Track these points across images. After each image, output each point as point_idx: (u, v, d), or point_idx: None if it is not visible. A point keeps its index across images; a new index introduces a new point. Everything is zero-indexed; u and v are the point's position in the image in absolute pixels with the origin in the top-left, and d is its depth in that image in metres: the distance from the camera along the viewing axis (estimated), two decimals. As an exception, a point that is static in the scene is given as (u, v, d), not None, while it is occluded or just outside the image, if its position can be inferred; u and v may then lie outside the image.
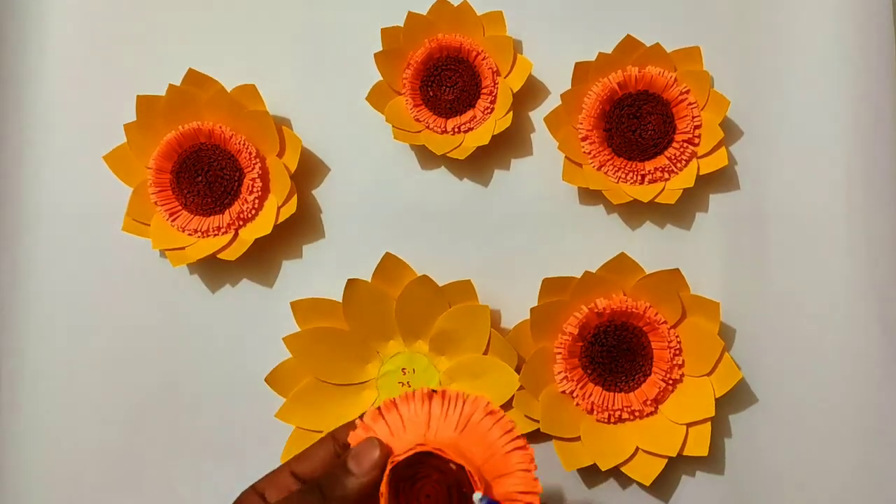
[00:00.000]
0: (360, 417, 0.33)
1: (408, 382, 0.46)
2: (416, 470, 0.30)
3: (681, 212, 0.46)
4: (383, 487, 0.30)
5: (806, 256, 0.45)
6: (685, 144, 0.45)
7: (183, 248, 0.46)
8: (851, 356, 0.45)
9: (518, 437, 0.31)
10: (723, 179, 0.46)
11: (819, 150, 0.46)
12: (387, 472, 0.30)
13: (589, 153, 0.46)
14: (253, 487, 0.35)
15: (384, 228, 0.48)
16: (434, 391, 0.32)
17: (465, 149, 0.46)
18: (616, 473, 0.45)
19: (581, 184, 0.45)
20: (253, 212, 0.46)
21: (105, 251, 0.48)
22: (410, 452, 0.30)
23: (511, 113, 0.45)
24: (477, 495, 0.28)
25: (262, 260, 0.48)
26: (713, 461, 0.45)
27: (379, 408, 0.32)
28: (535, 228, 0.47)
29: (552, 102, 0.47)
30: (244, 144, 0.46)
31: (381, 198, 0.48)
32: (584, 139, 0.46)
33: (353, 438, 0.32)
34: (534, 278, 0.43)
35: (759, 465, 0.45)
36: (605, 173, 0.46)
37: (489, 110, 0.47)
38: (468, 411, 0.31)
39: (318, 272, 0.48)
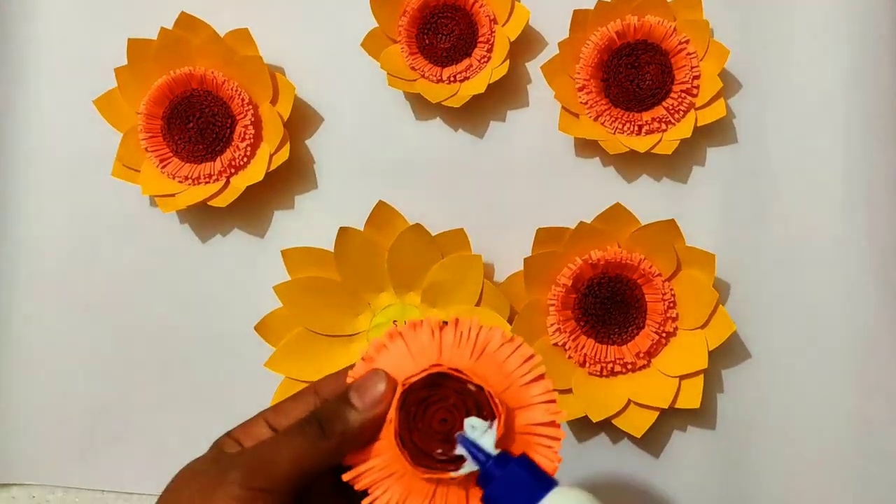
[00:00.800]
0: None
1: (399, 335, 0.45)
2: (429, 393, 0.27)
3: (678, 164, 0.46)
4: (392, 413, 0.27)
5: (803, 211, 0.45)
6: (683, 95, 0.44)
7: (173, 195, 0.46)
8: (846, 310, 0.44)
9: (538, 366, 0.28)
10: (720, 132, 0.46)
11: (818, 104, 0.45)
12: (398, 395, 0.27)
13: (586, 103, 0.45)
14: (228, 434, 0.31)
15: (377, 178, 0.47)
16: (445, 322, 0.29)
17: (461, 97, 0.45)
18: (607, 426, 0.44)
19: (578, 134, 0.45)
20: (245, 159, 0.46)
21: (95, 197, 0.48)
22: (424, 374, 0.27)
23: (508, 62, 0.45)
24: (460, 435, 0.26)
25: (254, 209, 0.48)
26: (705, 415, 0.45)
27: (382, 337, 0.29)
28: (530, 179, 0.47)
29: (549, 52, 0.47)
30: (237, 91, 0.45)
31: (374, 148, 0.48)
32: (581, 89, 0.45)
33: (355, 373, 0.29)
34: (528, 229, 0.43)
35: (750, 420, 0.45)
36: (602, 124, 0.45)
37: (486, 59, 0.46)
38: (483, 339, 0.28)
39: (310, 222, 0.48)
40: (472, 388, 0.27)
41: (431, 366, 0.27)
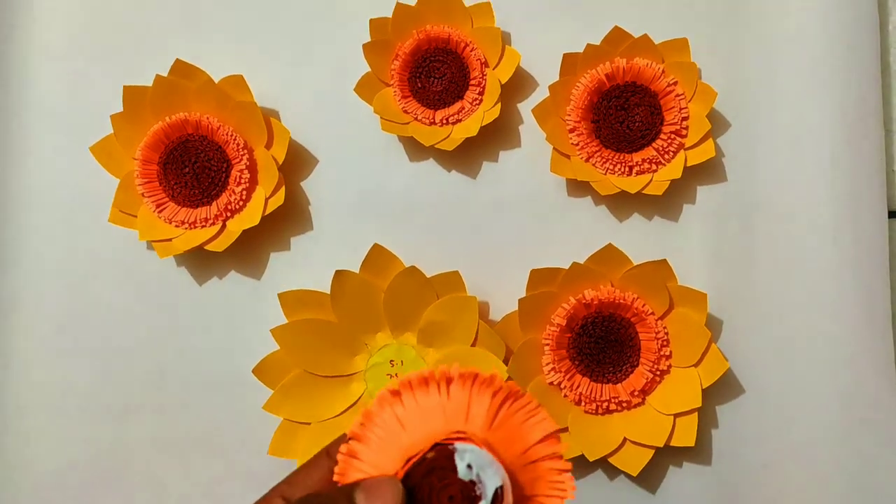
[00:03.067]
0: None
1: (396, 374, 0.46)
2: (435, 467, 0.25)
3: (668, 203, 0.47)
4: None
5: (792, 248, 0.46)
6: (673, 136, 0.45)
7: (170, 240, 0.46)
8: (837, 347, 0.45)
9: (557, 444, 0.26)
10: (710, 171, 0.47)
11: (805, 142, 0.46)
12: (401, 474, 0.25)
13: (577, 144, 0.46)
14: None
15: (372, 220, 0.48)
16: (449, 377, 0.26)
17: (454, 140, 0.46)
18: (603, 464, 0.45)
19: (569, 175, 0.45)
20: (241, 203, 0.46)
21: (91, 243, 0.48)
22: (431, 454, 0.24)
23: (499, 104, 0.45)
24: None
25: (250, 252, 0.48)
26: (700, 452, 0.45)
27: (385, 394, 0.26)
28: (523, 220, 0.47)
29: (540, 94, 0.47)
30: (232, 136, 0.46)
31: (369, 189, 0.48)
32: (571, 130, 0.46)
33: (351, 429, 0.26)
34: (522, 269, 0.43)
35: (745, 456, 0.45)
36: (593, 165, 0.46)
37: (477, 102, 0.46)
38: (496, 401, 0.26)
39: (306, 264, 0.48)
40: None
41: (437, 443, 0.25)
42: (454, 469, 0.24)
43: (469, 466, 0.24)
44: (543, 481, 0.26)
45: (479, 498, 0.24)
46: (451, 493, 0.24)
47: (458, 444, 0.24)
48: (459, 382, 0.26)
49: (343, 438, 0.28)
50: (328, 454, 0.28)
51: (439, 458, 0.25)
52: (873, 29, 0.46)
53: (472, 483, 0.24)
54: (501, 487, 0.24)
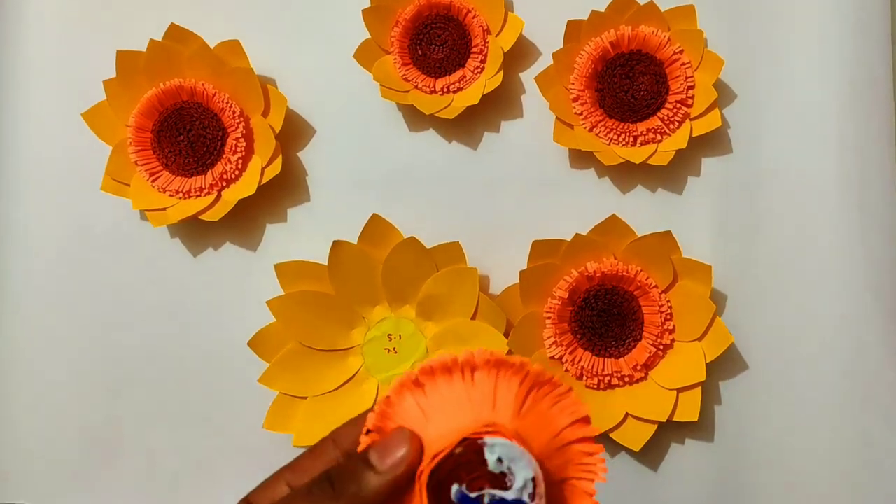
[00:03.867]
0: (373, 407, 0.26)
1: (394, 349, 0.45)
2: (461, 460, 0.24)
3: (673, 175, 0.46)
4: (420, 495, 0.23)
5: (797, 221, 0.45)
6: (678, 105, 0.44)
7: (164, 209, 0.45)
8: (842, 321, 0.44)
9: (587, 427, 0.25)
10: (715, 143, 0.46)
11: (812, 114, 0.45)
12: (426, 471, 0.24)
13: (580, 114, 0.45)
14: (247, 499, 0.29)
15: (371, 191, 0.47)
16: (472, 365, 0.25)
17: (455, 109, 0.45)
18: (605, 440, 0.44)
19: (572, 145, 0.45)
20: (236, 172, 0.45)
21: (84, 211, 0.47)
22: (458, 447, 0.24)
23: (501, 72, 0.44)
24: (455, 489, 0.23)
25: (246, 222, 0.47)
26: (703, 428, 0.45)
27: (406, 380, 0.25)
28: (525, 191, 0.46)
29: (544, 62, 0.46)
30: (227, 103, 0.45)
31: (367, 160, 0.47)
32: (575, 100, 0.45)
33: (371, 422, 0.25)
34: (524, 241, 0.42)
35: (748, 432, 0.44)
36: (597, 134, 0.45)
37: (479, 70, 0.46)
38: (524, 387, 0.25)
39: (303, 235, 0.47)
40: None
41: (465, 437, 0.24)
42: (483, 462, 0.23)
43: (500, 460, 0.23)
44: (573, 464, 0.25)
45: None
46: (480, 485, 0.24)
47: (488, 438, 0.24)
48: (485, 369, 0.25)
49: (351, 423, 0.28)
50: (334, 442, 0.28)
51: (468, 452, 0.24)
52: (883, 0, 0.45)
53: (503, 475, 0.24)
54: (533, 479, 0.23)
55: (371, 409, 0.26)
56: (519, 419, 0.25)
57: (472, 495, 0.23)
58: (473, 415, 0.25)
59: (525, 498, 0.23)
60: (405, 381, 0.25)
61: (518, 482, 0.23)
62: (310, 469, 0.27)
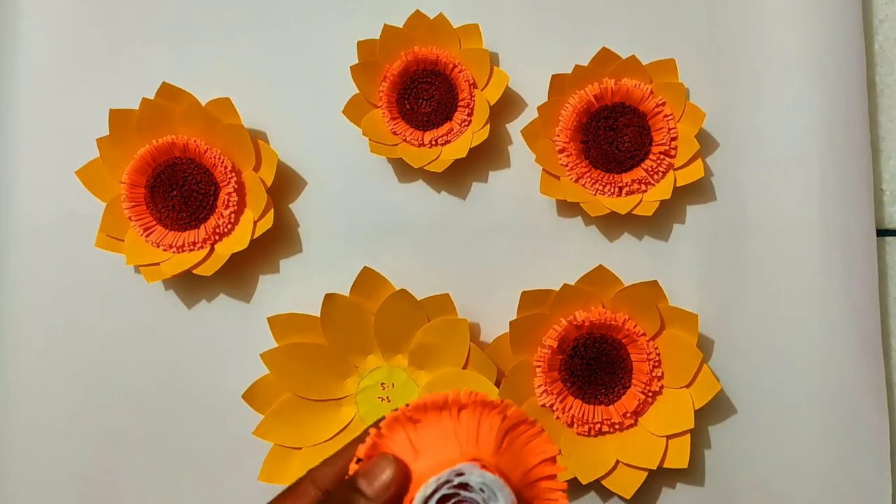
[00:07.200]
0: (375, 425, 0.28)
1: (387, 397, 0.46)
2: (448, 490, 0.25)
3: (658, 224, 0.47)
4: None
5: (782, 266, 0.46)
6: (662, 156, 0.45)
7: (158, 264, 0.46)
8: (828, 365, 0.45)
9: (554, 465, 0.27)
10: (699, 191, 0.47)
11: (793, 161, 0.46)
12: (416, 500, 0.25)
13: (566, 165, 0.46)
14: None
15: (362, 242, 0.48)
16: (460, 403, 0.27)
17: (443, 162, 0.46)
18: (597, 486, 0.44)
19: (559, 196, 0.45)
20: (229, 226, 0.46)
21: (78, 267, 0.48)
22: (445, 484, 0.25)
23: (488, 125, 0.45)
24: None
25: (239, 275, 0.48)
26: (693, 473, 0.45)
27: (397, 415, 0.27)
28: (513, 241, 0.47)
29: (529, 115, 0.47)
30: (219, 158, 0.46)
31: (358, 211, 0.48)
32: (561, 151, 0.46)
33: (363, 452, 0.27)
34: (513, 291, 0.43)
35: (738, 476, 0.45)
36: (583, 185, 0.46)
37: (466, 123, 0.46)
38: (505, 426, 0.27)
39: (296, 287, 0.47)
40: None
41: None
42: (466, 501, 0.25)
43: (482, 490, 0.25)
44: (540, 500, 0.27)
45: None
46: None
47: (466, 465, 0.25)
48: (471, 408, 0.27)
49: (329, 462, 0.29)
50: (313, 482, 0.28)
51: (453, 486, 0.25)
52: (859, 47, 0.46)
53: None
54: None
55: (360, 439, 0.27)
56: (498, 455, 0.27)
57: None
58: (460, 449, 0.26)
59: None
60: (399, 416, 0.27)
61: None
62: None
